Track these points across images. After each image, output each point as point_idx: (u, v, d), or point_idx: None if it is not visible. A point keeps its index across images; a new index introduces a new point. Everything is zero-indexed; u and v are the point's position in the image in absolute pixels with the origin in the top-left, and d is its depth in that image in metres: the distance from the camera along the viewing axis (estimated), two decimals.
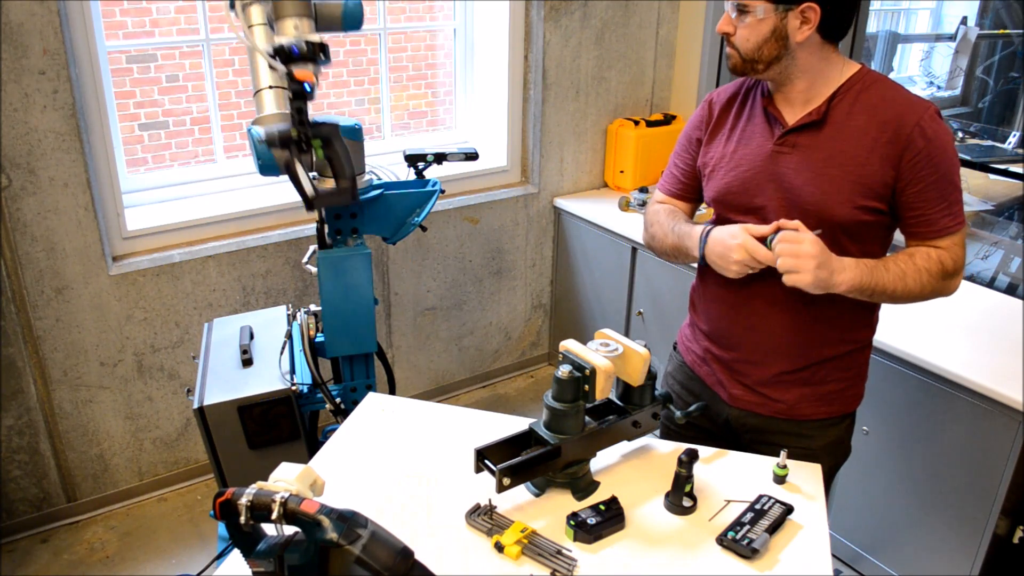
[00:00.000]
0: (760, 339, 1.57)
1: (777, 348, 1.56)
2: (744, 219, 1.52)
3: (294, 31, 1.67)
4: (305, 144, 1.70)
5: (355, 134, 2.15)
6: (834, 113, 1.45)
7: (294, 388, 2.02)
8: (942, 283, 1.48)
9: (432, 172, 2.48)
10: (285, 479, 1.01)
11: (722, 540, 1.30)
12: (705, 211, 1.73)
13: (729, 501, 1.41)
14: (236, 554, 1.13)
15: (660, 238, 1.65)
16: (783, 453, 1.48)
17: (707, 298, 1.65)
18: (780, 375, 1.58)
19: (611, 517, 1.32)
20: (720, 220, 1.59)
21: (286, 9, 1.67)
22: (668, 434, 1.76)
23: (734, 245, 1.42)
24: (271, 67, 1.73)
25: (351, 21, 1.91)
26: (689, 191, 1.69)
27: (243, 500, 0.96)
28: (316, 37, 1.67)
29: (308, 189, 1.73)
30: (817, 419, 1.61)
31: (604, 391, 1.37)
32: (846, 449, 1.68)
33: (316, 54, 1.66)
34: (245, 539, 1.04)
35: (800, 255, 1.35)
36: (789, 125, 1.48)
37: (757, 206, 1.52)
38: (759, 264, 1.41)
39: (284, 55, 1.64)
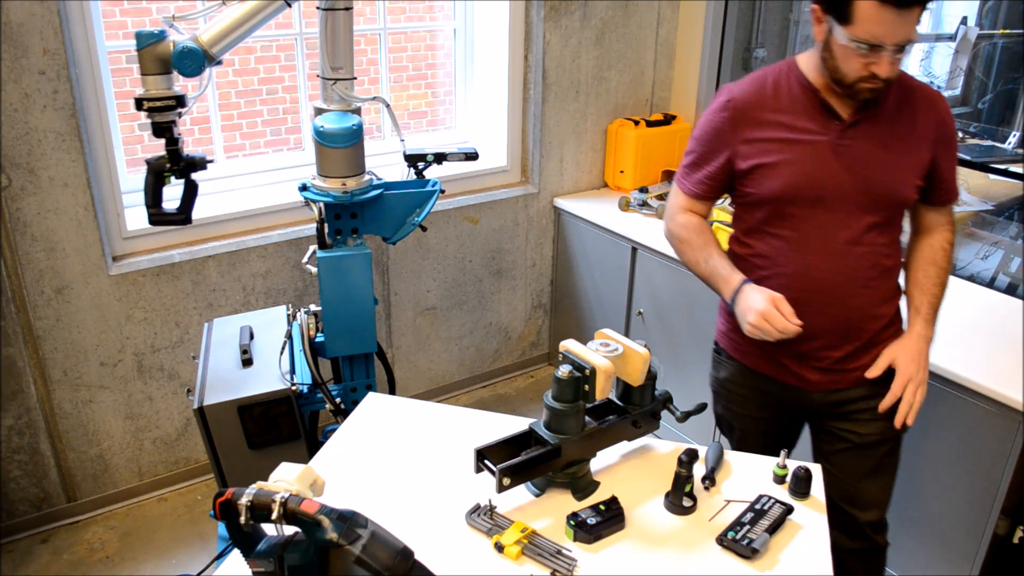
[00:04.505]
0: (834, 325, 1.63)
1: (849, 327, 1.64)
2: (809, 212, 1.58)
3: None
4: (179, 174, 2.10)
5: (354, 135, 2.15)
6: (883, 102, 1.55)
7: (294, 388, 2.02)
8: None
9: (432, 172, 2.47)
10: (285, 479, 1.01)
11: (722, 540, 1.30)
12: (723, 204, 1.79)
13: (729, 501, 1.41)
14: (236, 554, 1.13)
15: (692, 263, 1.72)
16: (783, 453, 1.48)
17: None
18: (855, 350, 1.66)
19: (611, 517, 1.32)
20: (775, 216, 1.62)
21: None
22: (734, 434, 1.91)
23: (756, 309, 1.52)
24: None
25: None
26: (714, 192, 1.72)
27: (243, 500, 0.96)
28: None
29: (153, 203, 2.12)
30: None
31: (604, 391, 1.37)
32: None
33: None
34: (245, 539, 1.04)
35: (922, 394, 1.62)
36: (847, 118, 1.55)
37: (825, 198, 1.57)
38: (773, 334, 1.51)
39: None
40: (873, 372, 1.65)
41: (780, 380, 1.73)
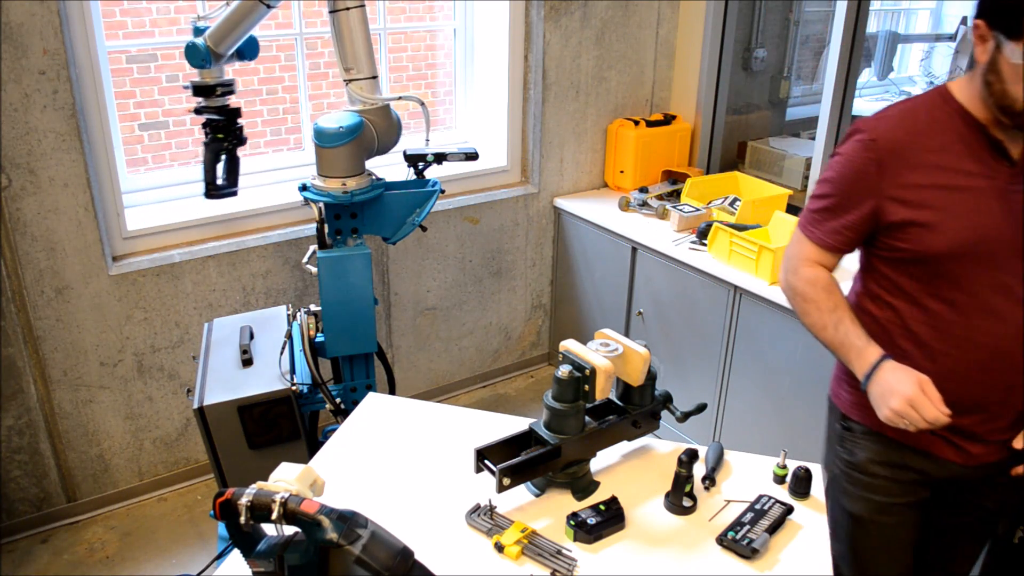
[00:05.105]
0: (1005, 394, 1.44)
1: (1018, 394, 1.44)
2: (978, 271, 1.38)
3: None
4: (227, 152, 2.47)
5: (345, 135, 2.15)
6: None
7: (294, 388, 2.02)
8: None
9: (432, 172, 2.48)
10: (285, 479, 1.01)
11: (722, 540, 1.30)
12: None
13: (729, 501, 1.41)
14: (236, 554, 1.14)
15: (817, 326, 1.48)
16: (783, 453, 1.48)
17: (935, 376, 1.37)
18: (1017, 417, 1.47)
19: (611, 517, 1.32)
20: (935, 275, 1.41)
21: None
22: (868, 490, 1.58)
23: (902, 393, 1.32)
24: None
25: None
26: (852, 244, 1.49)
27: (243, 500, 0.96)
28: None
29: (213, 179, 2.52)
30: None
31: (604, 391, 1.37)
32: None
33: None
34: (245, 539, 1.04)
35: None
36: (1019, 159, 1.35)
37: (997, 254, 1.37)
38: (919, 424, 1.32)
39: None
40: (1021, 443, 1.46)
41: (937, 455, 1.48)
